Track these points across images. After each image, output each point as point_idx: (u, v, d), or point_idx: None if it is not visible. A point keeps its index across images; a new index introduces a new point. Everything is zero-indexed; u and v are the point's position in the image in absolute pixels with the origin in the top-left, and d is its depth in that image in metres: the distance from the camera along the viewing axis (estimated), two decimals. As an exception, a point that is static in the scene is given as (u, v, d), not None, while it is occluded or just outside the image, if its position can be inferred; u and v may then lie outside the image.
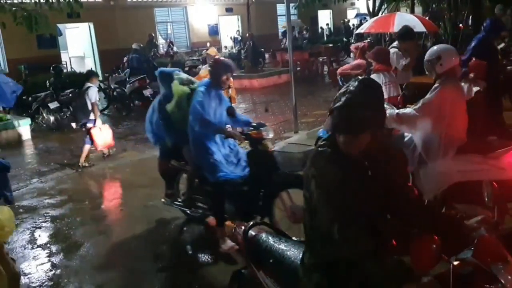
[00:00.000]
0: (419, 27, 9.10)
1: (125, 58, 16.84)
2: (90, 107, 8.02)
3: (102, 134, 8.16)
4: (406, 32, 6.62)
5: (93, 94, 8.04)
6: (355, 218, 2.00)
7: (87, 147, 8.15)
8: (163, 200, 5.58)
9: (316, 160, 2.15)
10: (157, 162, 5.60)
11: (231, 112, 4.79)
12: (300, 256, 2.40)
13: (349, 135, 2.07)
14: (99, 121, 8.10)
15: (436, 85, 4.17)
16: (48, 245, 5.31)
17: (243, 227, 2.92)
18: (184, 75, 5.31)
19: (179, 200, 5.50)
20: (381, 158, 2.16)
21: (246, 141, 4.78)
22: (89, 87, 8.13)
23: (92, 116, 8.07)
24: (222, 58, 5.51)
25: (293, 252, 2.55)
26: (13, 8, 9.78)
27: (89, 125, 8.05)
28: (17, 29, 10.33)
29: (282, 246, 2.63)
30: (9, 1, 9.89)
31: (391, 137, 4.47)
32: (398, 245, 2.09)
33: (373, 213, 2.06)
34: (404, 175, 2.21)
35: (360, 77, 2.20)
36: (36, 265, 4.83)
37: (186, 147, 4.92)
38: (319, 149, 2.17)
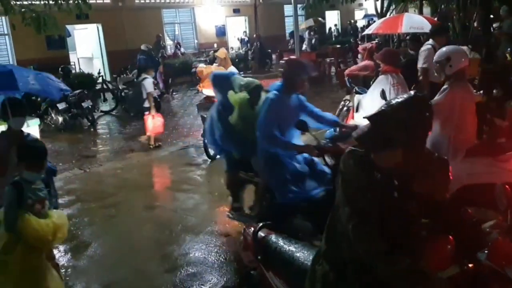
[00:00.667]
0: (427, 28, 9.09)
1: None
2: (145, 96, 8.69)
3: (154, 122, 8.88)
4: (441, 28, 6.64)
5: (149, 85, 8.71)
6: (371, 220, 1.99)
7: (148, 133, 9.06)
8: (228, 213, 5.07)
9: (346, 158, 2.14)
10: (225, 174, 5.10)
11: (301, 126, 4.05)
12: (310, 258, 2.39)
13: (372, 150, 2.06)
14: (153, 109, 8.78)
15: (445, 86, 4.15)
16: (56, 245, 5.32)
17: (252, 228, 2.92)
18: (240, 78, 4.78)
19: (246, 213, 4.96)
20: (419, 174, 2.08)
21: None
22: (145, 78, 8.81)
23: (146, 104, 8.75)
24: (295, 57, 5.01)
25: (302, 254, 2.55)
26: (22, 9, 9.86)
27: (145, 112, 8.80)
28: (27, 30, 10.38)
29: (291, 248, 2.63)
30: (18, 3, 9.95)
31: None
32: (412, 247, 2.08)
33: (391, 217, 2.04)
34: (444, 184, 2.15)
35: (410, 93, 2.14)
36: (44, 265, 4.85)
37: (255, 158, 4.42)
38: (352, 148, 2.16)
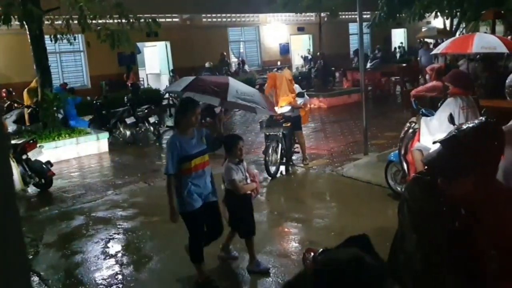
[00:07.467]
0: (500, 48, 8.68)
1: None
2: None
3: None
4: None
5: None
6: (441, 250, 1.90)
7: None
8: None
9: (411, 185, 2.09)
10: None
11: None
12: None
13: (440, 177, 1.98)
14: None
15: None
16: (120, 256, 5.50)
17: (312, 253, 2.86)
18: None
19: None
20: (487, 204, 1.96)
21: None
22: None
23: None
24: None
25: None
26: (98, 28, 10.48)
27: None
28: (100, 47, 11.00)
29: None
30: (94, 21, 10.58)
31: None
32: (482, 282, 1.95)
33: (456, 248, 1.94)
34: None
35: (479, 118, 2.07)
36: (108, 275, 5.02)
37: None
38: (418, 175, 2.11)
